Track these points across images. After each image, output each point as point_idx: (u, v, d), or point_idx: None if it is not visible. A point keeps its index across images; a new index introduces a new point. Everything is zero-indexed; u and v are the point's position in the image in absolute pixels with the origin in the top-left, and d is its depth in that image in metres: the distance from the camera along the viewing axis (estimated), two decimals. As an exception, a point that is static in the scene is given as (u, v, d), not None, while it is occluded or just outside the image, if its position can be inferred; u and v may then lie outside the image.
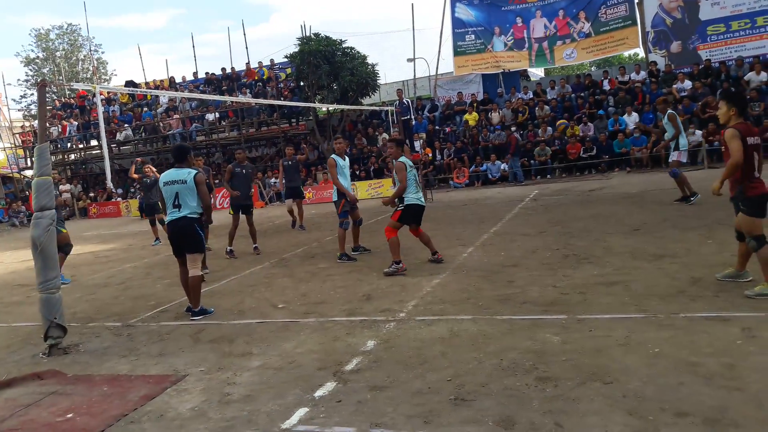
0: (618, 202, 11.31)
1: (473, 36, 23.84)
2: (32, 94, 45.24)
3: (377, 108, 20.08)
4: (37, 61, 46.95)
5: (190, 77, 28.95)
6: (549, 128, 19.32)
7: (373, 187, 19.38)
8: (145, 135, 26.72)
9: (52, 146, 25.56)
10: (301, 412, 3.63)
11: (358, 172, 20.18)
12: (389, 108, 18.16)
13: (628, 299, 5.17)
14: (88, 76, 44.70)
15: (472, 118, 21.29)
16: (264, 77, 26.23)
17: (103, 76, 46.97)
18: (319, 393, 3.88)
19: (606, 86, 20.75)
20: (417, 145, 18.54)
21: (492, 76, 23.81)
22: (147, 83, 29.51)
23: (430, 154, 20.02)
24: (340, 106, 20.79)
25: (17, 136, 30.24)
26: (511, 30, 23.23)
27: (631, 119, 18.00)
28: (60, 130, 27.78)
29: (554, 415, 3.25)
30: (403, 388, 3.81)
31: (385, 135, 21.08)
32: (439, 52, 24.87)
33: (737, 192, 5.02)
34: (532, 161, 18.65)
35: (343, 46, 23.20)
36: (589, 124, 18.74)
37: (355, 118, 24.41)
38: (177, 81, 28.73)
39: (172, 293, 7.46)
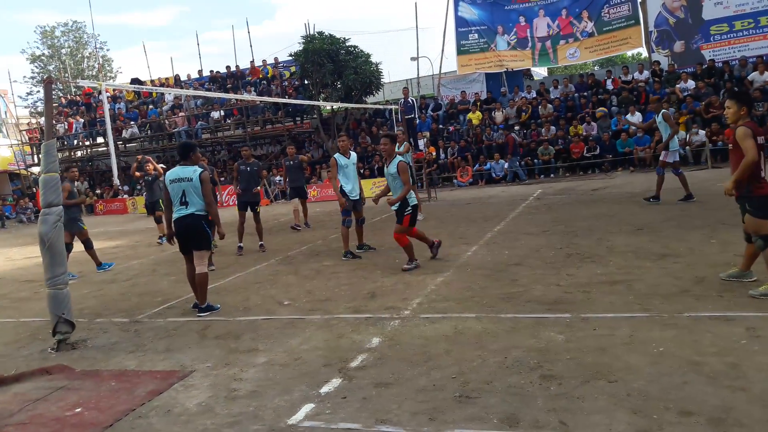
0: (621, 202, 11.31)
1: (476, 35, 23.82)
2: (38, 91, 45.34)
3: (381, 107, 20.09)
4: (42, 58, 47.03)
5: (195, 75, 29.00)
6: (552, 127, 19.31)
7: (377, 185, 19.35)
8: (151, 132, 26.80)
9: (59, 143, 25.59)
10: (307, 407, 3.67)
11: (362, 171, 20.20)
12: (393, 106, 18.17)
13: (632, 298, 5.19)
14: (94, 73, 44.80)
15: (475, 117, 21.29)
16: (268, 75, 26.28)
17: (109, 74, 47.06)
18: (324, 389, 3.91)
19: (609, 86, 20.72)
20: (421, 143, 18.54)
21: (495, 75, 23.79)
22: (152, 81, 29.58)
23: (434, 153, 20.04)
24: (344, 104, 20.81)
25: (24, 132, 30.35)
26: (515, 29, 23.20)
27: (635, 119, 17.96)
28: (66, 127, 27.86)
29: (558, 414, 3.27)
30: (407, 385, 3.84)
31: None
32: (443, 50, 25.01)
33: (744, 193, 5.03)
34: (535, 160, 18.65)
35: (347, 44, 23.22)
36: (592, 123, 18.73)
37: (359, 117, 24.45)
38: (182, 79, 28.80)
39: (178, 289, 7.51)
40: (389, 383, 3.90)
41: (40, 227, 5.53)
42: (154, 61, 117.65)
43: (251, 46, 40.56)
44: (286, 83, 25.37)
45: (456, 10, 23.96)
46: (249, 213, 10.14)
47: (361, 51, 23.31)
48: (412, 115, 18.03)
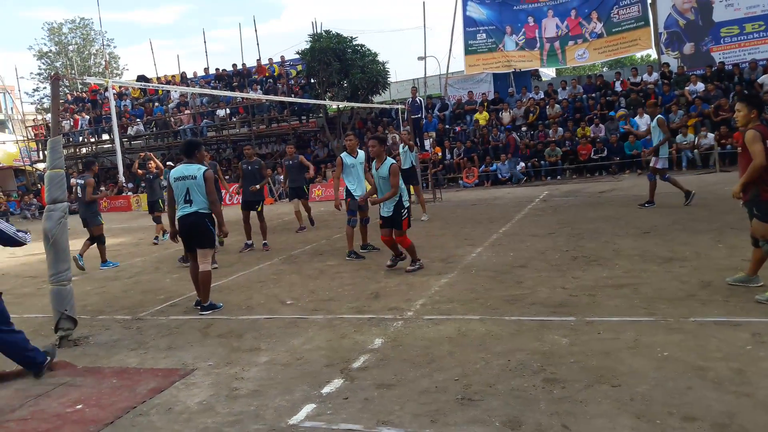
0: (628, 205, 11.24)
1: (484, 35, 23.76)
2: (45, 88, 45.66)
3: (387, 106, 20.05)
4: (49, 54, 47.25)
5: (201, 73, 29.07)
6: (560, 129, 19.24)
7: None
8: (157, 130, 26.86)
9: (64, 140, 25.70)
10: (309, 408, 3.65)
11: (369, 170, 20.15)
12: (399, 106, 18.13)
13: (637, 302, 5.15)
14: (100, 70, 44.97)
15: (482, 117, 21.22)
16: (275, 74, 26.27)
17: (115, 71, 47.25)
18: (326, 389, 3.89)
19: (618, 87, 20.62)
20: (427, 143, 18.51)
21: (503, 75, 23.73)
22: (158, 78, 29.65)
23: (440, 153, 19.98)
24: (351, 103, 20.78)
25: (30, 128, 30.47)
26: (523, 29, 23.12)
27: (643, 121, 17.82)
28: (72, 123, 27.95)
29: (561, 417, 3.24)
30: (410, 387, 3.82)
31: (395, 134, 21.07)
32: (450, 50, 24.99)
33: (751, 196, 4.98)
34: (542, 162, 18.58)
35: (354, 43, 23.20)
36: (600, 125, 18.65)
37: (365, 116, 24.41)
38: (188, 76, 28.86)
39: (181, 287, 7.51)
40: (391, 384, 3.88)
41: (44, 223, 5.54)
42: (160, 59, 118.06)
43: (258, 44, 40.66)
44: (293, 82, 25.38)
45: (464, 10, 23.91)
46: (253, 213, 10.15)
47: (368, 50, 23.30)
48: (419, 115, 18.00)
